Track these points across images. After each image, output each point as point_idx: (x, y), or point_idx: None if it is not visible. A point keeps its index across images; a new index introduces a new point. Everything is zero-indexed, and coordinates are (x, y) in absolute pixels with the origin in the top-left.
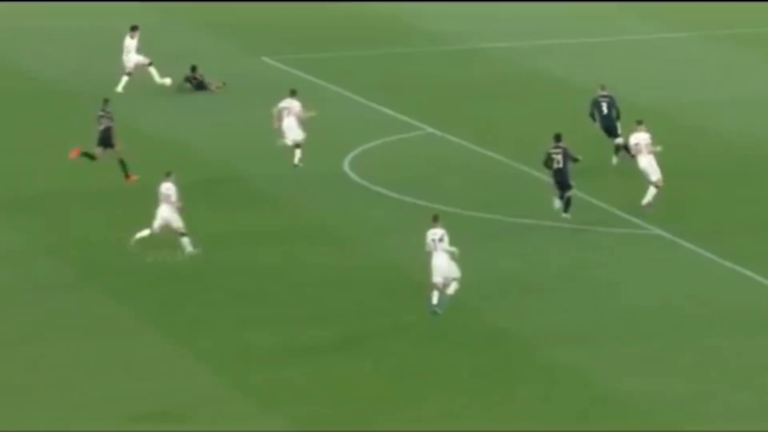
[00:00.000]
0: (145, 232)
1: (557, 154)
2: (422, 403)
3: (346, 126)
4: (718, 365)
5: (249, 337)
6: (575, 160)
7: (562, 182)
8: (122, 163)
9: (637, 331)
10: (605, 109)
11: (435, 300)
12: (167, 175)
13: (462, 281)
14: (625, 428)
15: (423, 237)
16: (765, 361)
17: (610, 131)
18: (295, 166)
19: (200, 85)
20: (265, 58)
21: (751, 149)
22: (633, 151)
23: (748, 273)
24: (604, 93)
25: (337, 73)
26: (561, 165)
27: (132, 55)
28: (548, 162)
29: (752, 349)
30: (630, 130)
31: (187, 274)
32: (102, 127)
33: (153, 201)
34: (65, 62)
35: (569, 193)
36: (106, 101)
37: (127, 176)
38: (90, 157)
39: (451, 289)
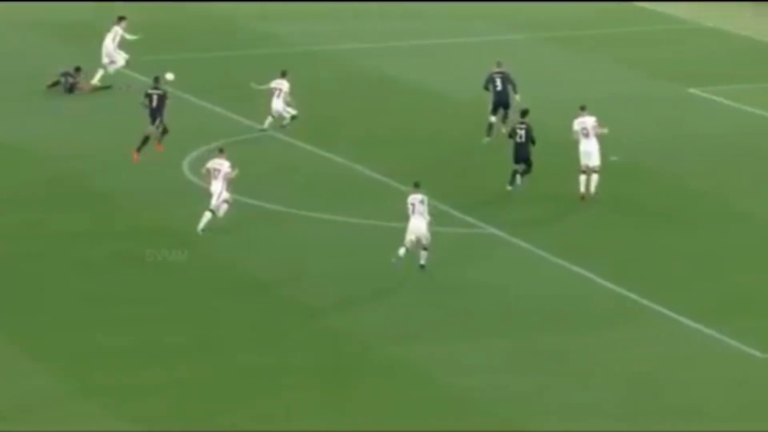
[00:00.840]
0: (208, 215)
1: (521, 129)
2: (262, 402)
3: (186, 128)
4: (555, 362)
5: (91, 339)
6: (533, 140)
7: (520, 156)
8: (146, 140)
9: (475, 329)
10: (499, 85)
11: (401, 253)
12: (220, 152)
13: (302, 283)
14: (463, 425)
15: (263, 236)
16: (601, 358)
17: (502, 105)
18: (262, 129)
19: (71, 88)
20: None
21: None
22: (579, 135)
23: (578, 270)
24: (499, 69)
25: (176, 75)
26: (523, 140)
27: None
28: (512, 135)
29: (589, 346)
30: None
31: (30, 276)
32: (154, 104)
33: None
34: None
35: (524, 169)
36: (156, 79)
37: (159, 142)
38: (146, 141)
39: (423, 258)
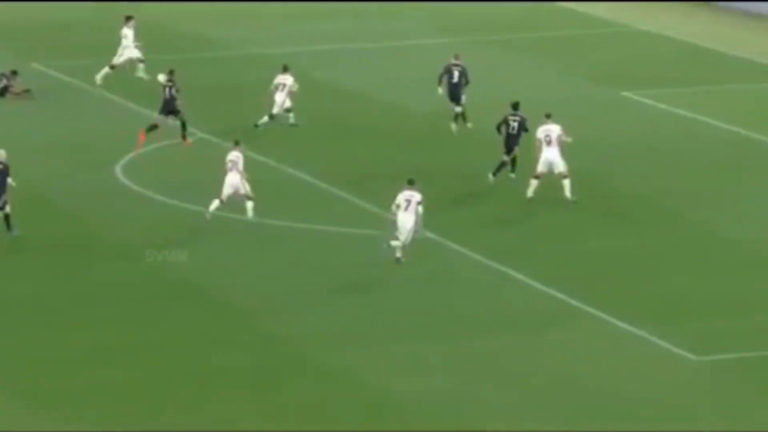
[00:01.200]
0: (216, 203)
1: (514, 120)
2: (198, 408)
3: (118, 132)
4: (489, 364)
5: (26, 343)
6: (527, 130)
7: (511, 146)
8: (183, 125)
9: (410, 333)
10: (456, 77)
11: (399, 253)
12: (235, 144)
13: (237, 287)
14: (396, 427)
15: (199, 241)
16: (536, 361)
17: (455, 98)
18: (293, 125)
19: (3, 91)
20: (35, 64)
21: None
22: (541, 142)
23: (512, 272)
24: (457, 62)
25: (110, 79)
26: (515, 131)
27: (127, 50)
28: (501, 126)
29: (523, 349)
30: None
31: None
32: (167, 96)
33: None
34: None
35: (513, 155)
36: (171, 72)
37: (184, 138)
38: (153, 128)
39: (399, 252)
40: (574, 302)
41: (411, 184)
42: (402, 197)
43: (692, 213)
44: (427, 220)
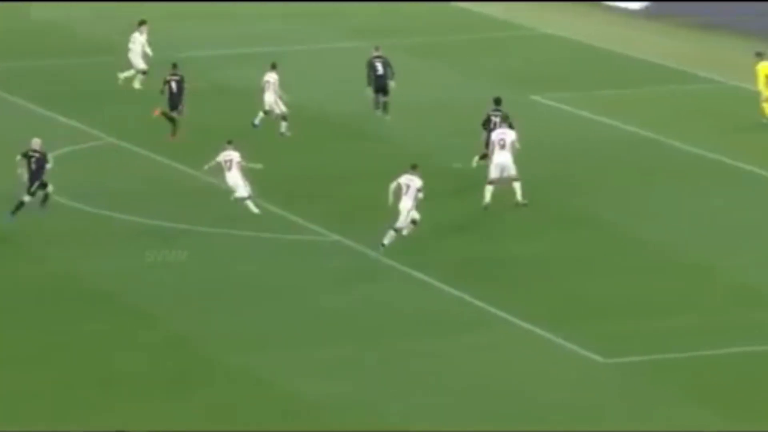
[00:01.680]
0: (250, 203)
1: (495, 116)
2: (101, 412)
3: (25, 135)
4: (399, 369)
5: None
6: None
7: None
8: (173, 122)
9: (321, 336)
10: (380, 69)
11: (387, 240)
12: (228, 143)
13: (144, 291)
14: (305, 428)
15: (105, 245)
16: (446, 366)
17: (382, 90)
18: (282, 134)
19: None
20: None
21: (425, 156)
22: (495, 146)
23: (421, 276)
24: (378, 54)
25: (12, 82)
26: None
27: (137, 55)
28: (486, 123)
29: (434, 354)
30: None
31: None
32: (174, 90)
33: None
34: None
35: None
36: (174, 65)
37: (173, 133)
38: (171, 120)
39: (406, 231)
40: (485, 306)
41: (413, 168)
42: (403, 181)
43: (600, 215)
44: (335, 223)
